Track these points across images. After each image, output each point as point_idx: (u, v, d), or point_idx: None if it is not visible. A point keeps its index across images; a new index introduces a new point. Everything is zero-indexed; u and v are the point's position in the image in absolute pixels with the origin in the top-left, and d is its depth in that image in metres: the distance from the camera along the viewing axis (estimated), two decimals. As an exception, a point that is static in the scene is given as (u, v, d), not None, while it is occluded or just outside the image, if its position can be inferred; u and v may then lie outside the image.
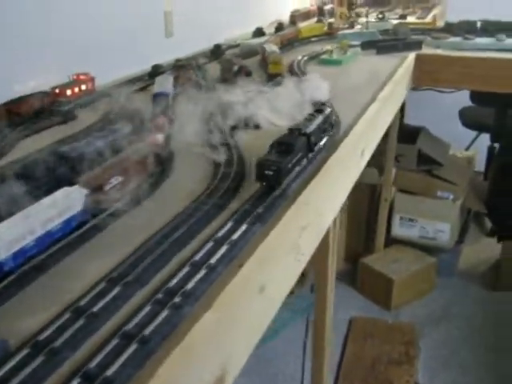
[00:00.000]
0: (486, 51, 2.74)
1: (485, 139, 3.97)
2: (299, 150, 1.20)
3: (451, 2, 4.84)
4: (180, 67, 2.07)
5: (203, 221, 1.03)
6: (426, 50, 2.76)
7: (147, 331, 0.74)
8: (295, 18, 3.66)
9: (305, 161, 1.24)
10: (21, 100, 1.64)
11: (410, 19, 3.88)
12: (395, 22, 3.50)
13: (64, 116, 1.70)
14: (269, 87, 1.98)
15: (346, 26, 3.27)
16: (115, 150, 1.21)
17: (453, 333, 2.89)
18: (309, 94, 1.71)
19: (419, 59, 2.66)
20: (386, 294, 3.04)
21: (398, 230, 3.35)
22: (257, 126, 1.55)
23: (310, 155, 1.27)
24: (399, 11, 4.23)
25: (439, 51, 2.79)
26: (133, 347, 0.72)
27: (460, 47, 2.81)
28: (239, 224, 1.01)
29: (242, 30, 3.21)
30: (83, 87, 1.86)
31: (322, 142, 1.38)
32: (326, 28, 3.15)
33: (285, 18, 3.72)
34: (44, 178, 1.06)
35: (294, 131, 1.25)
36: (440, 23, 3.59)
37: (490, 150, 3.86)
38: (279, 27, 3.21)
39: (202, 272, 0.88)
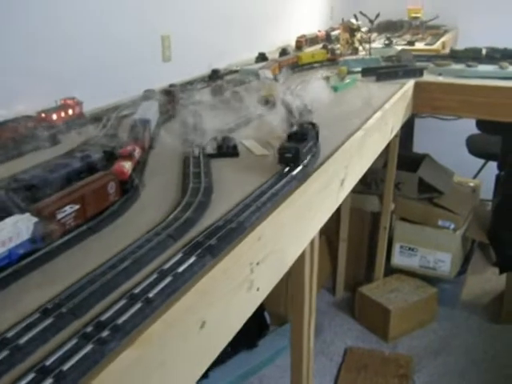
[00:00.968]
0: (488, 79, 2.71)
1: (494, 167, 3.92)
2: (311, 139, 1.50)
3: (463, 29, 4.83)
4: (169, 92, 2.07)
5: (153, 252, 1.01)
6: (426, 78, 2.74)
7: (65, 367, 0.72)
8: (301, 43, 3.67)
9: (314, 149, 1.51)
10: (2, 125, 1.65)
11: (418, 45, 3.87)
12: (400, 48, 3.49)
13: (47, 141, 1.70)
14: (256, 114, 1.98)
15: (350, 52, 3.26)
16: (77, 177, 1.21)
17: (450, 367, 2.83)
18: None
19: (418, 86, 2.64)
20: (383, 324, 2.99)
21: (398, 259, 3.31)
22: (235, 154, 1.54)
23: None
24: (408, 37, 4.21)
25: (440, 78, 2.77)
26: (47, 382, 0.70)
27: (462, 74, 2.79)
28: (188, 256, 0.99)
29: (247, 55, 3.21)
30: (70, 112, 1.87)
31: (295, 172, 1.36)
32: (328, 54, 3.15)
33: (293, 43, 3.73)
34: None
35: (305, 124, 1.55)
36: (446, 50, 3.57)
37: (498, 178, 3.81)
38: (283, 52, 3.22)
39: (138, 305, 0.86)
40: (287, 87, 2.29)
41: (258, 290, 1.08)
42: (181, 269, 0.95)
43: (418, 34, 4.36)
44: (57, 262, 1.00)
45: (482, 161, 4.13)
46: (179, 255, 0.99)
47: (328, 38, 3.97)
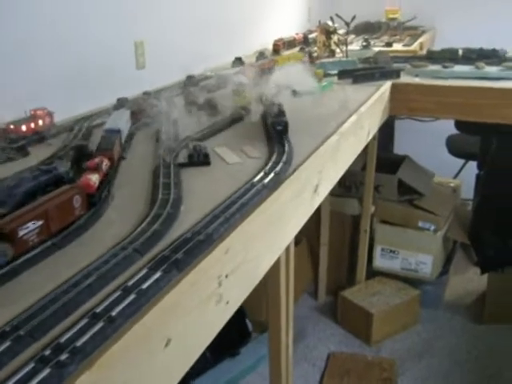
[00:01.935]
0: (464, 79, 2.71)
1: (474, 167, 3.93)
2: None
3: (440, 30, 4.84)
4: (142, 101, 2.04)
5: (118, 268, 0.99)
6: (403, 79, 2.73)
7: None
8: (279, 46, 3.65)
9: None
10: (-35, 137, 1.62)
11: (396, 47, 3.87)
12: (378, 49, 3.48)
13: (15, 153, 1.66)
14: (229, 121, 1.96)
15: (327, 54, 3.25)
16: (44, 191, 1.18)
17: (434, 369, 2.81)
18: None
19: (395, 88, 2.63)
20: (366, 328, 2.97)
21: (380, 262, 3.29)
22: (206, 163, 1.52)
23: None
24: (386, 38, 4.21)
25: (417, 80, 2.76)
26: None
27: (438, 75, 2.78)
28: (154, 271, 0.96)
29: (224, 59, 3.18)
30: (40, 123, 1.84)
31: (267, 180, 1.34)
32: (305, 57, 3.13)
33: (270, 47, 3.71)
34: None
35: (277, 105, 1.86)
36: (424, 51, 3.57)
37: (478, 178, 3.81)
38: (260, 56, 3.20)
39: (100, 325, 0.83)
40: (262, 92, 2.26)
41: (227, 303, 1.06)
42: (145, 285, 0.92)
43: (395, 35, 4.35)
44: (19, 280, 0.97)
45: (462, 161, 4.13)
46: (144, 271, 0.97)
47: (306, 40, 3.95)
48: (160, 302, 0.87)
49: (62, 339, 0.80)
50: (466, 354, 2.92)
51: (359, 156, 2.31)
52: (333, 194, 3.19)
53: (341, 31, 3.36)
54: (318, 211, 3.18)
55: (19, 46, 1.90)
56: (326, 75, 2.74)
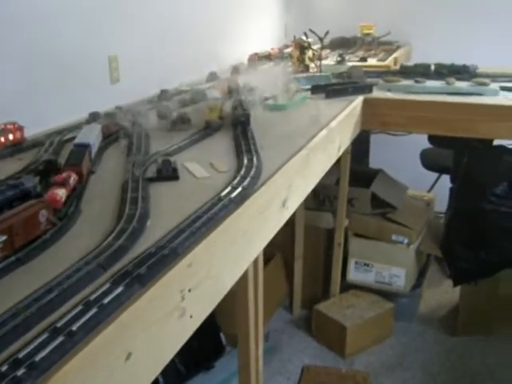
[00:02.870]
0: (435, 94, 2.75)
1: (447, 180, 3.96)
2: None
3: (416, 45, 4.90)
4: (114, 115, 2.05)
5: (81, 282, 0.99)
6: (376, 94, 2.76)
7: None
8: (254, 61, 3.67)
9: None
10: None
11: (371, 62, 3.90)
12: (352, 64, 3.51)
13: (-16, 167, 1.66)
14: (200, 136, 1.97)
15: (301, 69, 3.28)
16: (10, 206, 1.18)
17: (407, 381, 2.83)
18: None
19: (367, 103, 2.66)
20: (339, 341, 2.98)
21: (354, 275, 3.31)
22: (175, 178, 1.53)
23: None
24: (361, 53, 4.25)
25: (389, 94, 2.79)
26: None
27: (410, 90, 2.82)
28: (116, 286, 0.97)
29: (199, 74, 3.19)
30: (10, 137, 1.83)
31: (234, 194, 1.36)
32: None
33: (246, 61, 3.73)
34: None
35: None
36: (398, 66, 3.61)
37: (452, 191, 3.85)
38: (234, 71, 3.22)
39: (59, 339, 0.83)
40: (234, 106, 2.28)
41: (191, 317, 1.07)
42: (107, 299, 0.93)
43: (370, 50, 4.39)
44: (-20, 296, 0.97)
45: (436, 174, 4.17)
46: (107, 285, 0.97)
47: (281, 55, 3.98)
48: (120, 316, 0.88)
49: (21, 354, 0.80)
50: (438, 366, 2.93)
51: (333, 170, 2.33)
52: (307, 207, 3.21)
53: (315, 46, 3.39)
54: (292, 225, 3.20)
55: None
56: (300, 90, 2.76)
